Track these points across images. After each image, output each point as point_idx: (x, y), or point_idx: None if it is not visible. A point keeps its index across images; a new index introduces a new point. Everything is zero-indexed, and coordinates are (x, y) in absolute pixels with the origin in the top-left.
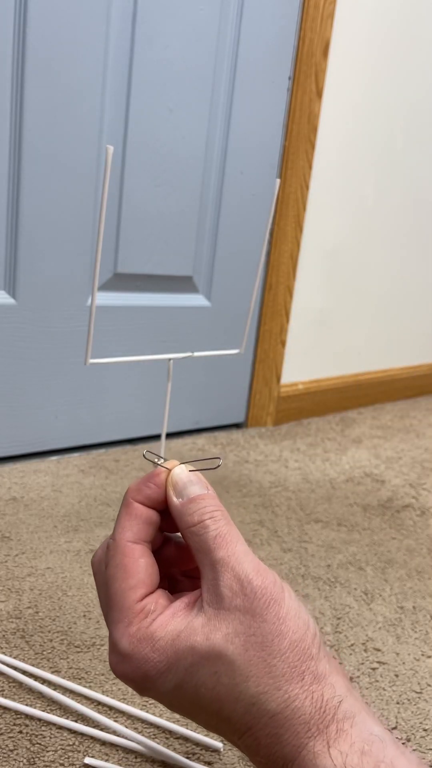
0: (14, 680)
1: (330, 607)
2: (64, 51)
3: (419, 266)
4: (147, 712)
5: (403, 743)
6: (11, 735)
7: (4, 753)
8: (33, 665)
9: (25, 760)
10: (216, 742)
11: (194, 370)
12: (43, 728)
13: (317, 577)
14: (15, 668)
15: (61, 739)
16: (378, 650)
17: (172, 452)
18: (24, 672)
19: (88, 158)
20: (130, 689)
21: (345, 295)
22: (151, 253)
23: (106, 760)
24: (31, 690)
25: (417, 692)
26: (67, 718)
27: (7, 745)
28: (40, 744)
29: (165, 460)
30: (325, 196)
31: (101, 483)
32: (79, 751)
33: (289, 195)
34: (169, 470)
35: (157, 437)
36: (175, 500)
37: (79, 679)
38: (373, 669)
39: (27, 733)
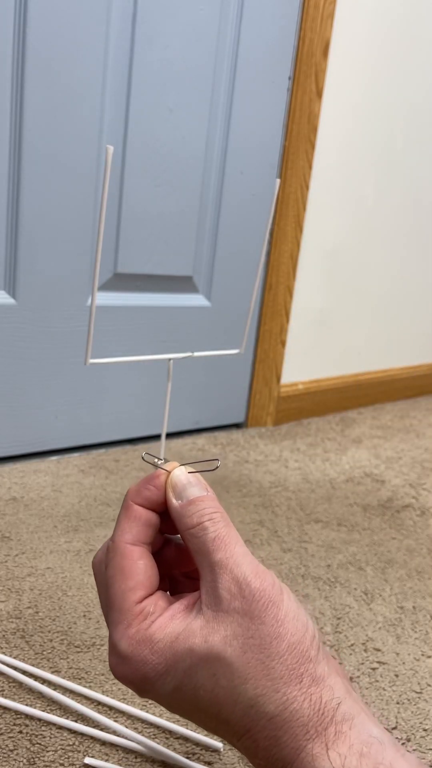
0: (14, 680)
1: (330, 607)
2: (64, 51)
3: (419, 266)
4: (147, 712)
5: (402, 743)
6: (11, 735)
7: (4, 753)
8: (33, 665)
9: (25, 760)
10: (216, 742)
11: (194, 370)
12: (43, 728)
13: (317, 577)
14: (15, 668)
15: (61, 739)
16: (378, 650)
17: (172, 452)
18: (24, 672)
19: (88, 158)
20: (130, 689)
21: (345, 295)
22: (151, 253)
23: (106, 760)
24: (31, 690)
25: (417, 692)
26: (67, 718)
27: (7, 745)
28: (40, 744)
29: (165, 461)
30: (325, 196)
31: (101, 483)
32: (79, 751)
33: (289, 195)
34: (169, 472)
35: (157, 437)
36: (174, 502)
37: (79, 679)
38: (373, 669)
39: (27, 733)
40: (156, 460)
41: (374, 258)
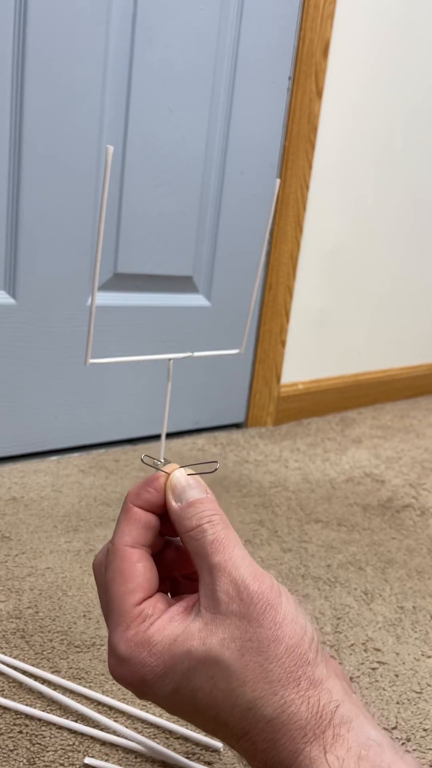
0: (14, 680)
1: (330, 607)
2: (64, 51)
3: (419, 266)
4: (147, 712)
5: (402, 743)
6: (11, 735)
7: (4, 753)
8: (33, 665)
9: (25, 760)
10: (216, 742)
11: (194, 370)
12: (43, 728)
13: (317, 577)
14: (15, 668)
15: (61, 739)
16: (378, 650)
17: (172, 452)
18: (24, 672)
19: (88, 158)
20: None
21: (345, 295)
22: (151, 253)
23: (106, 760)
24: (31, 690)
25: (417, 692)
26: (67, 718)
27: (7, 745)
28: (40, 744)
29: (165, 461)
30: (325, 196)
31: (101, 483)
32: (79, 751)
33: (289, 195)
34: (168, 474)
35: (157, 437)
36: (174, 504)
37: (79, 679)
38: (373, 669)
39: (27, 733)
40: (156, 461)
41: (374, 258)
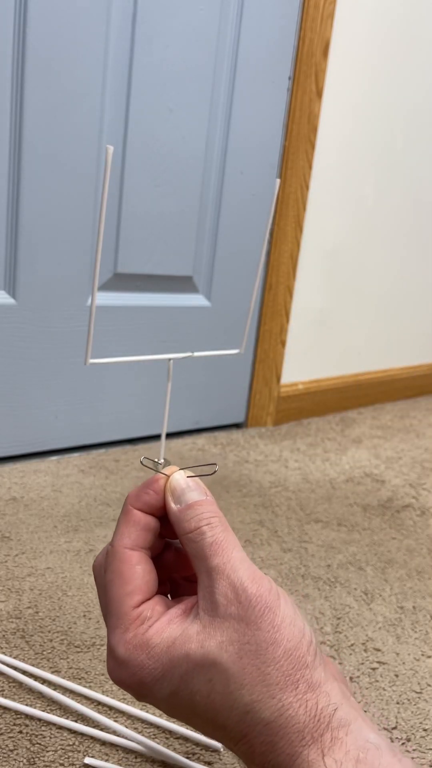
0: (14, 680)
1: (330, 607)
2: (64, 51)
3: (419, 266)
4: (147, 712)
5: (402, 743)
6: (11, 735)
7: (4, 753)
8: (33, 665)
9: (25, 760)
10: (216, 743)
11: (194, 370)
12: (43, 728)
13: (317, 577)
14: (15, 668)
15: (61, 739)
16: (378, 650)
17: (172, 452)
18: (24, 672)
19: (88, 158)
20: None
21: (345, 295)
22: (151, 253)
23: (106, 760)
24: (31, 690)
25: (417, 692)
26: (67, 718)
27: (7, 745)
28: (40, 744)
29: (165, 461)
30: (325, 196)
31: (101, 483)
32: (79, 751)
33: (289, 195)
34: (168, 476)
35: (157, 437)
36: (173, 506)
37: (79, 679)
38: (373, 669)
39: (27, 733)
40: (156, 460)
41: (374, 258)
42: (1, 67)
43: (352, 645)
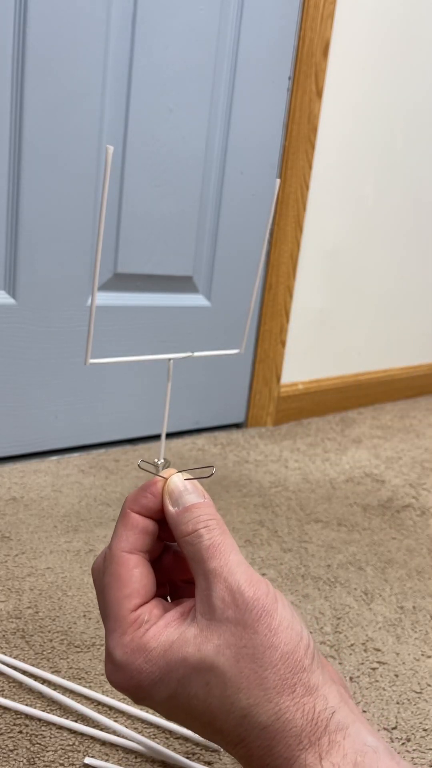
0: (14, 680)
1: (330, 607)
2: (64, 51)
3: (419, 266)
4: (147, 712)
5: (402, 743)
6: (11, 735)
7: (4, 753)
8: (33, 665)
9: (25, 760)
10: None
11: (194, 370)
12: (43, 728)
13: (317, 577)
14: (15, 668)
15: (61, 739)
16: (378, 650)
17: (172, 452)
18: (24, 672)
19: (88, 158)
20: None
21: (345, 295)
22: (151, 253)
23: (106, 760)
24: (31, 690)
25: (417, 692)
26: (67, 718)
27: (7, 745)
28: (40, 744)
29: (165, 461)
30: (325, 196)
31: (101, 483)
32: (79, 751)
33: (289, 195)
34: (166, 479)
35: (157, 437)
36: (171, 509)
37: (79, 679)
38: (373, 669)
39: (27, 733)
40: (157, 460)
41: (374, 258)
42: (1, 67)
43: (352, 645)
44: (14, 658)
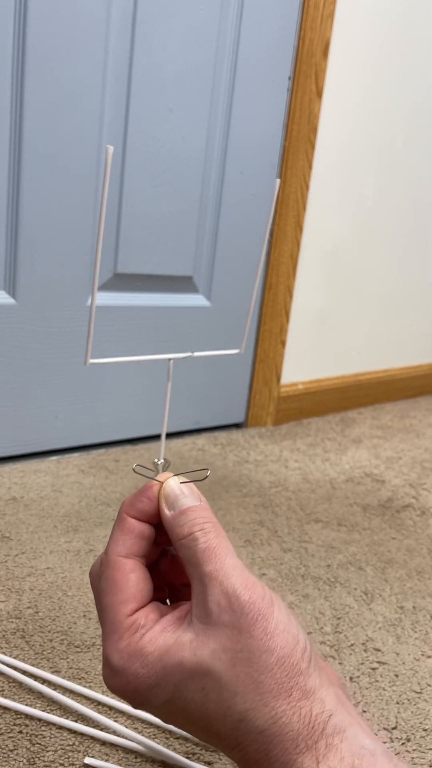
0: (14, 680)
1: (330, 607)
2: (64, 51)
3: (419, 266)
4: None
5: (402, 743)
6: (11, 735)
7: (4, 753)
8: (33, 665)
9: (25, 760)
10: None
11: (194, 370)
12: (43, 728)
13: (317, 577)
14: (15, 668)
15: (61, 739)
16: (378, 650)
17: (172, 452)
18: (24, 672)
19: (88, 158)
20: None
21: (345, 295)
22: (151, 253)
23: (106, 760)
24: (31, 690)
25: (417, 692)
26: (67, 718)
27: (7, 745)
28: (40, 744)
29: (165, 461)
30: (325, 196)
31: (101, 483)
32: (79, 751)
33: (289, 195)
34: (162, 483)
35: (157, 437)
36: (167, 512)
37: (79, 679)
38: (373, 669)
39: (27, 733)
40: (156, 460)
41: (374, 258)
42: (1, 66)
43: (352, 645)
44: (14, 658)
